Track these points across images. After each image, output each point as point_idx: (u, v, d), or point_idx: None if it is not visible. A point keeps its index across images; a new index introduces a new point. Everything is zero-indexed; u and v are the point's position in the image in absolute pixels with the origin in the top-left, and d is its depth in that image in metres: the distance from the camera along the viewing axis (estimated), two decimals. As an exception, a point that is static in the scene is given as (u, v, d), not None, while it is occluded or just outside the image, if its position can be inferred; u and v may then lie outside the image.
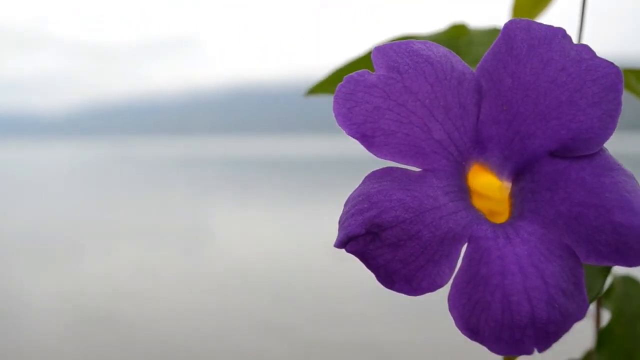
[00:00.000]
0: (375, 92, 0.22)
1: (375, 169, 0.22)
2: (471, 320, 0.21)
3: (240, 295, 5.88)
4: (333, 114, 0.22)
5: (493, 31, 0.35)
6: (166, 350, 4.30)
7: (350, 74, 0.22)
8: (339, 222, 0.21)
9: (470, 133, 0.23)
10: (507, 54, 0.23)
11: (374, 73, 0.22)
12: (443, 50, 0.23)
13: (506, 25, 0.23)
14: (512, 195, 0.24)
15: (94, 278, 6.51)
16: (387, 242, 0.21)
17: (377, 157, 0.22)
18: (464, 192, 0.23)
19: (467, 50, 0.34)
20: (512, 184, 0.24)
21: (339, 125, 0.22)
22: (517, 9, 0.40)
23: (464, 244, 0.22)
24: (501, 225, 0.22)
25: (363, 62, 0.34)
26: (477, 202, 0.24)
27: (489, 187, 0.24)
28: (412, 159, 0.22)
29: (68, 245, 8.08)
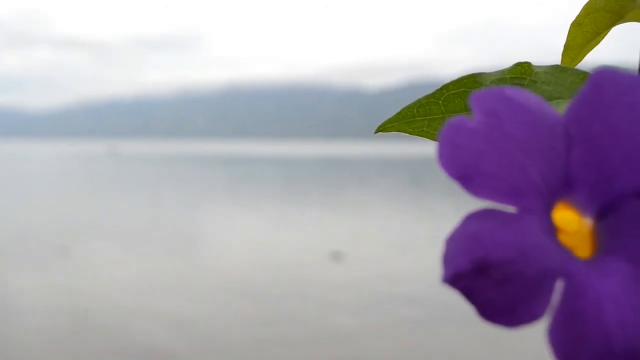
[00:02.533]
0: (476, 137, 0.24)
1: (472, 210, 0.24)
2: (570, 352, 0.23)
3: (230, 295, 5.88)
4: (437, 158, 0.24)
5: (555, 69, 0.37)
6: (155, 353, 4.29)
7: (451, 119, 0.24)
8: (443, 259, 0.23)
9: (560, 175, 0.25)
10: (595, 101, 0.25)
11: (473, 119, 0.24)
12: (533, 96, 0.25)
13: (594, 75, 0.25)
14: (596, 232, 0.26)
15: (81, 279, 6.51)
16: (493, 279, 0.23)
17: (475, 197, 0.24)
18: (553, 230, 0.25)
19: (531, 90, 0.36)
20: (596, 222, 0.26)
21: (441, 166, 0.24)
22: (570, 45, 0.42)
23: (559, 280, 0.24)
24: (591, 261, 0.25)
25: (432, 101, 0.36)
26: (561, 238, 0.26)
27: (570, 222, 0.27)
28: (508, 199, 0.24)
29: (56, 246, 8.11)
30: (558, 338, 0.23)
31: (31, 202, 14.20)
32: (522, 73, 0.37)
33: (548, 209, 0.25)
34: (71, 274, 6.38)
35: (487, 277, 0.23)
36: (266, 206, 13.37)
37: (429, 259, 6.96)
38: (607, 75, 0.25)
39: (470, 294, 0.23)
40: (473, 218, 0.24)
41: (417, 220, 10.87)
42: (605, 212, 0.25)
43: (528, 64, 0.37)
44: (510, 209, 0.24)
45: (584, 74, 0.37)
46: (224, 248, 8.16)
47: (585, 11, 0.41)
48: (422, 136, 0.36)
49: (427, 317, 4.72)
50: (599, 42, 0.43)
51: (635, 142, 0.25)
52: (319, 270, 6.45)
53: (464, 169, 0.24)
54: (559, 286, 0.24)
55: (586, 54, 0.43)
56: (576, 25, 0.42)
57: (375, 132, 0.37)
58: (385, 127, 0.37)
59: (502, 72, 0.37)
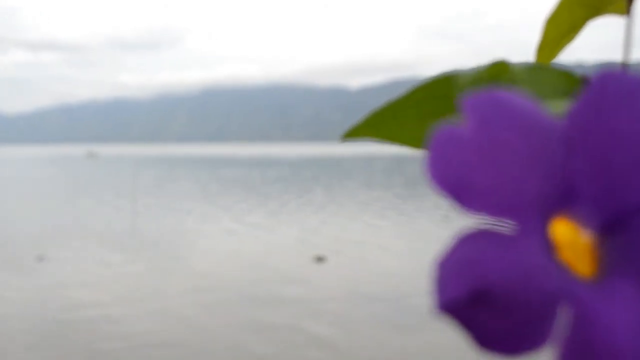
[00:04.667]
0: (466, 148, 0.22)
1: (466, 231, 0.22)
2: (579, 385, 0.21)
3: (212, 299, 5.87)
4: (426, 173, 0.22)
5: (533, 68, 0.35)
6: (135, 357, 4.27)
7: (440, 128, 0.22)
8: (436, 286, 0.21)
9: (560, 186, 0.23)
10: (598, 105, 0.23)
11: (463, 127, 0.22)
12: (529, 100, 0.23)
13: (598, 77, 0.23)
14: (600, 248, 0.24)
15: (58, 284, 6.45)
16: (491, 306, 0.21)
17: (469, 212, 0.22)
18: (553, 247, 0.23)
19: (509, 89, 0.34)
20: (600, 237, 0.24)
21: (431, 182, 0.22)
22: (545, 40, 0.41)
23: (564, 304, 0.22)
24: (597, 282, 0.23)
25: (403, 104, 0.34)
26: (562, 255, 0.24)
27: (570, 237, 0.25)
28: (504, 214, 0.22)
29: (31, 251, 8.03)
30: (566, 370, 0.21)
31: (7, 207, 14.05)
32: (499, 72, 0.35)
33: (547, 223, 0.23)
34: (49, 279, 6.33)
35: (486, 304, 0.21)
36: (249, 208, 13.37)
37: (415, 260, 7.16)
38: (612, 78, 0.23)
39: (467, 323, 0.21)
40: (466, 240, 0.22)
41: (405, 220, 10.99)
42: (610, 228, 0.24)
43: (505, 62, 0.35)
44: (505, 227, 0.22)
45: (564, 73, 0.35)
46: (207, 250, 8.15)
47: (561, 5, 0.39)
48: (393, 141, 0.34)
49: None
50: (574, 37, 0.41)
51: (639, 149, 0.23)
52: (305, 272, 6.48)
53: (454, 183, 0.22)
54: (564, 311, 0.22)
55: (561, 49, 0.42)
56: (551, 20, 0.40)
57: (343, 139, 0.35)
58: (353, 133, 0.34)
59: (478, 71, 0.35)
